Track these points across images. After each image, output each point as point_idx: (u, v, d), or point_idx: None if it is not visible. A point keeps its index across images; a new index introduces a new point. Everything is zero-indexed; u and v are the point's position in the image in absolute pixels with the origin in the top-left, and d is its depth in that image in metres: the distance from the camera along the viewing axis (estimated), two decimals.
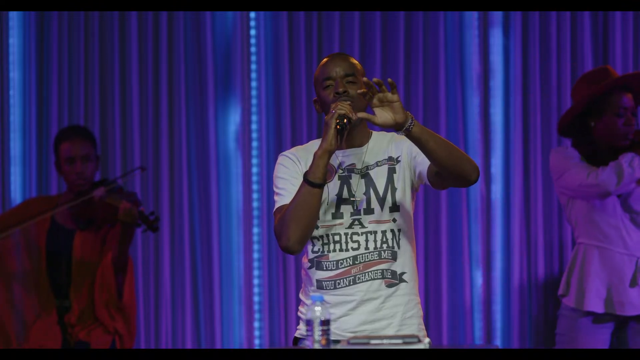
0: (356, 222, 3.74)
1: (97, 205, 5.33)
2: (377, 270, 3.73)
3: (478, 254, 6.46)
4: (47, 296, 5.39)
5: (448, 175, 3.62)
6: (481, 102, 6.51)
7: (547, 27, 6.50)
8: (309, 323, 3.12)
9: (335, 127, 3.59)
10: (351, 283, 3.73)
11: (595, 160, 5.24)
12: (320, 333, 3.11)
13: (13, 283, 5.42)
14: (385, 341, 3.22)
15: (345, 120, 3.61)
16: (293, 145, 6.29)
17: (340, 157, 3.79)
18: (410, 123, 3.53)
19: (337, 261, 3.73)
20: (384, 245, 3.73)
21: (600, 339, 5.23)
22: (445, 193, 6.46)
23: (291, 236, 3.66)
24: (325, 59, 3.80)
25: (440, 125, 6.46)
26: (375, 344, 3.22)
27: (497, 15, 6.52)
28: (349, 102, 3.67)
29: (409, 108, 6.50)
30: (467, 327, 6.45)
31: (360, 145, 3.79)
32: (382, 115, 3.56)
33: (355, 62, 3.79)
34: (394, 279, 3.74)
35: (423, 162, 3.69)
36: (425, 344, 3.20)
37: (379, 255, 3.73)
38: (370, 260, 3.73)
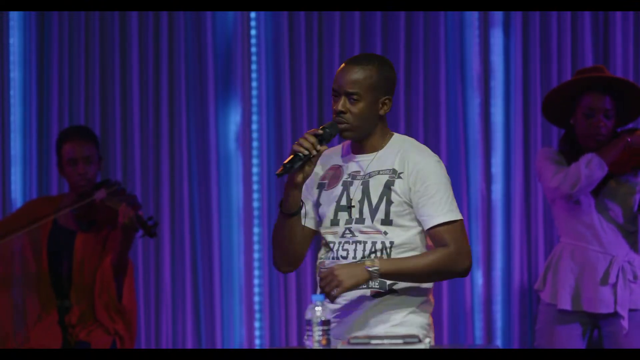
0: (348, 231, 3.68)
1: (99, 207, 5.31)
2: None
3: (478, 254, 6.45)
4: (48, 296, 5.38)
5: None
6: (482, 102, 6.50)
7: (547, 27, 6.49)
8: (308, 323, 3.11)
9: (290, 165, 3.62)
10: None
11: (576, 158, 5.20)
12: (320, 333, 3.11)
13: (15, 285, 5.41)
14: (385, 341, 3.22)
15: (289, 161, 3.61)
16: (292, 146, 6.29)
17: (349, 163, 3.75)
18: (375, 274, 3.57)
19: None
20: (372, 256, 3.65)
21: (574, 334, 5.22)
22: None
23: (275, 259, 3.80)
24: (342, 64, 3.70)
25: (440, 125, 6.46)
26: (375, 344, 3.22)
27: (497, 15, 6.51)
28: (324, 128, 3.65)
29: (409, 108, 6.50)
30: (468, 327, 6.44)
31: (371, 151, 3.72)
32: None
33: (366, 74, 3.65)
34: (381, 289, 3.67)
35: (423, 222, 3.68)
36: (425, 344, 3.20)
37: None
38: None
